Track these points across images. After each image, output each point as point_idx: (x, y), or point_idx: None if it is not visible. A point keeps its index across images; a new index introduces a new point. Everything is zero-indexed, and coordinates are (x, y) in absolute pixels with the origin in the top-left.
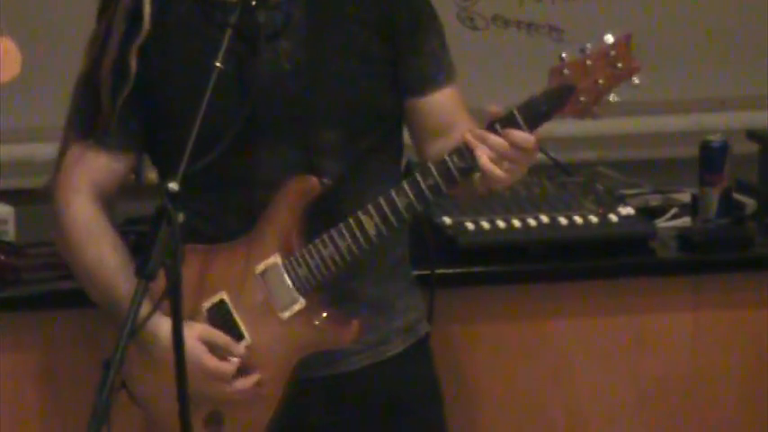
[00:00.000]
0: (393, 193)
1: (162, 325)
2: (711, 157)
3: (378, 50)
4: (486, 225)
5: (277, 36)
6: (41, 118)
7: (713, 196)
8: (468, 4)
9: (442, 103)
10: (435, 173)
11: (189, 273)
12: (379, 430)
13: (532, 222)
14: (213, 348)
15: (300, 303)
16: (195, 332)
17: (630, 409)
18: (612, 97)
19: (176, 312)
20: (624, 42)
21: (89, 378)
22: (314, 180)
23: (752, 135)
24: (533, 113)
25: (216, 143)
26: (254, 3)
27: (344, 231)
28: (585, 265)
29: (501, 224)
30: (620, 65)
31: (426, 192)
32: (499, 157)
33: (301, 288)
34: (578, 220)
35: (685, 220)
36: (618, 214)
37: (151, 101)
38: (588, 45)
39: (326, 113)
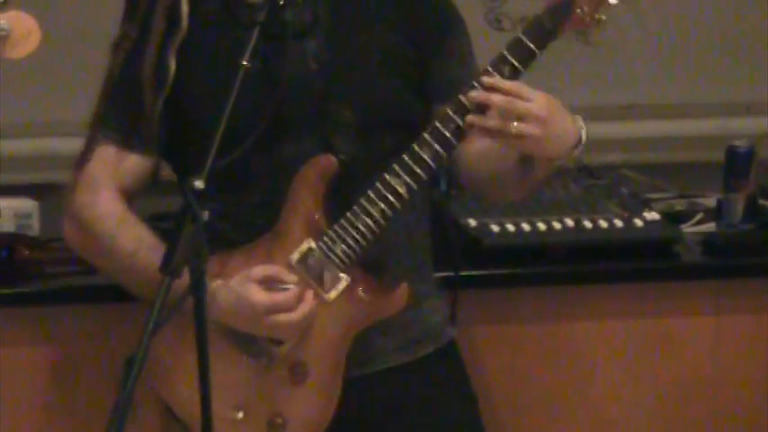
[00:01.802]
0: (416, 147)
1: (217, 293)
2: (737, 163)
3: (402, 51)
4: (510, 227)
5: (303, 36)
6: (65, 112)
7: (738, 201)
8: (496, 4)
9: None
10: (455, 115)
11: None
12: (413, 430)
13: (557, 225)
14: (266, 283)
15: (345, 280)
16: (242, 277)
17: (652, 413)
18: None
19: (200, 310)
20: None
21: (111, 373)
22: (329, 157)
23: None
24: (540, 33)
25: (240, 142)
26: (281, 2)
27: (374, 196)
28: (609, 269)
29: (526, 226)
30: None
31: (450, 137)
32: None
33: (341, 265)
34: (603, 223)
35: (710, 226)
36: (643, 218)
37: (177, 101)
38: None
39: (351, 112)
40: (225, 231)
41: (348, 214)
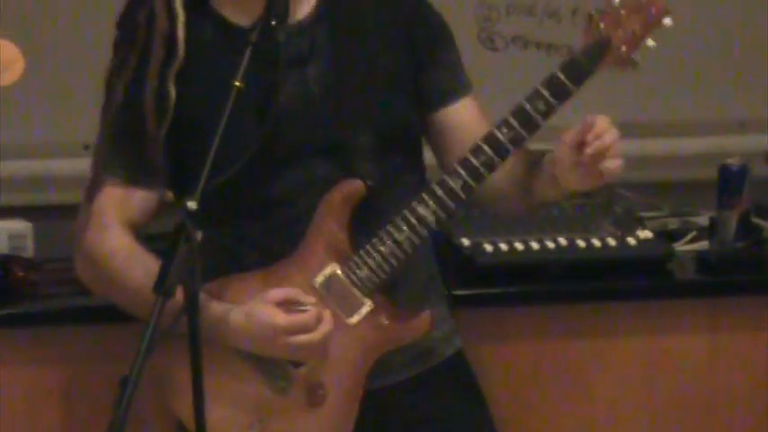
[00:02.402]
0: (446, 177)
1: (229, 314)
2: (730, 181)
3: (400, 67)
4: (504, 246)
5: (304, 61)
6: (59, 133)
7: (732, 219)
8: (489, 24)
9: (461, 114)
10: (487, 148)
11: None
12: None
13: (550, 244)
14: (285, 305)
15: (368, 305)
16: (260, 300)
17: (647, 431)
18: (650, 42)
19: (194, 329)
20: None
21: (105, 394)
22: (358, 182)
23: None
24: (577, 72)
25: (242, 166)
26: (273, 23)
27: (401, 224)
28: (603, 287)
29: (519, 246)
30: (652, 9)
31: (481, 168)
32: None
33: (365, 290)
34: (596, 242)
35: (703, 244)
36: (636, 237)
37: (178, 128)
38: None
39: (365, 135)
40: (243, 255)
41: (374, 240)
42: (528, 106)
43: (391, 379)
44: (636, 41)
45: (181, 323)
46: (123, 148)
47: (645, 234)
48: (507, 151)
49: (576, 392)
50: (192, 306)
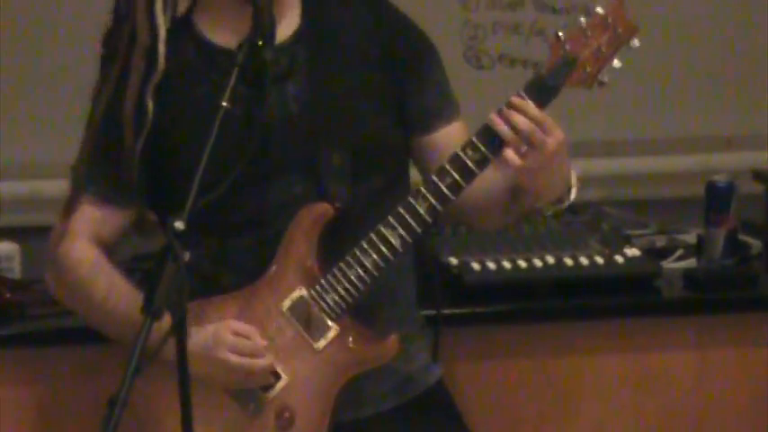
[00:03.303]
0: (412, 200)
1: (192, 336)
2: (717, 198)
3: (382, 86)
4: (491, 265)
5: (283, 78)
6: (46, 154)
7: (719, 237)
8: (475, 42)
9: (450, 137)
10: (452, 170)
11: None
12: None
13: (538, 263)
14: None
15: (334, 329)
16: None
17: None
18: (616, 63)
19: (181, 351)
20: (618, 7)
21: (93, 414)
22: (325, 205)
23: (758, 176)
24: (541, 91)
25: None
26: (260, 43)
27: (368, 248)
28: (591, 305)
29: (507, 264)
30: (619, 30)
31: (446, 191)
32: (518, 138)
33: (332, 314)
34: (584, 260)
35: (691, 261)
36: (624, 255)
37: (159, 147)
38: (582, 18)
39: (341, 155)
40: (217, 275)
41: (341, 264)
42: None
43: (370, 410)
44: (602, 62)
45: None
46: (100, 166)
47: (632, 252)
48: (473, 173)
49: (564, 411)
50: (179, 328)
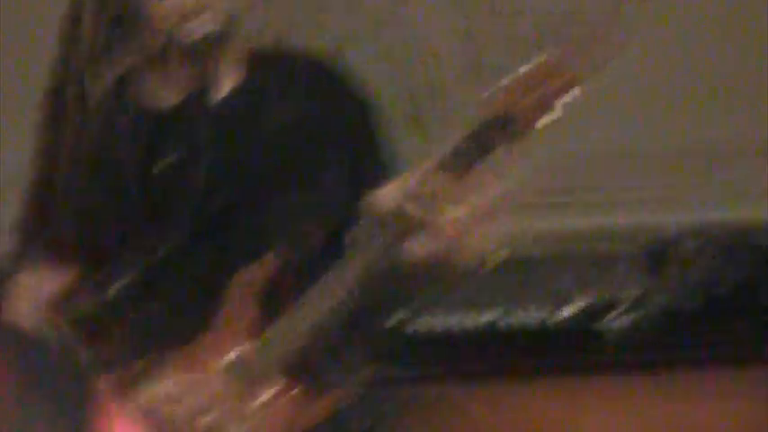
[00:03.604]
0: (353, 252)
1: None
2: (658, 255)
3: (328, 149)
4: (439, 321)
5: (222, 139)
6: None
7: (661, 294)
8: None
9: None
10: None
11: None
12: None
13: (485, 318)
14: None
15: (278, 383)
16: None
17: None
18: (556, 114)
19: None
20: (556, 58)
21: None
22: (268, 261)
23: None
24: (477, 146)
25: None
26: (195, 101)
27: (312, 299)
28: (534, 362)
29: (454, 320)
30: (558, 79)
31: (381, 249)
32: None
33: (276, 367)
34: (529, 316)
35: (633, 317)
36: (565, 311)
37: (90, 210)
38: (524, 67)
39: (282, 207)
40: (163, 330)
41: (284, 318)
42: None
43: None
44: (540, 112)
45: None
46: (38, 227)
47: (574, 308)
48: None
49: None
50: None
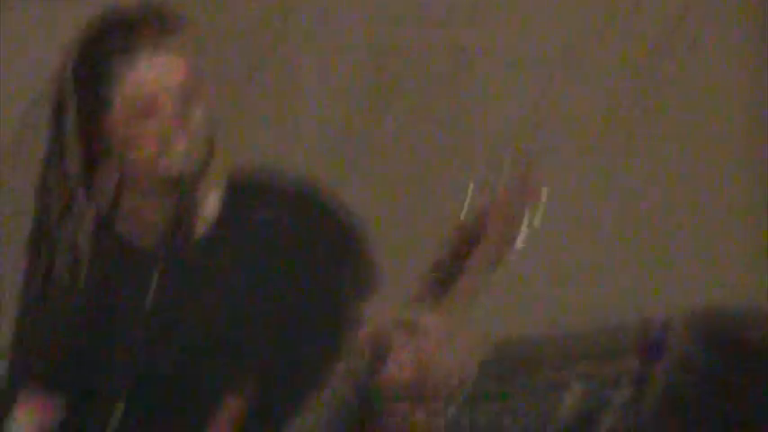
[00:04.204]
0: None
1: None
2: (652, 346)
3: (304, 293)
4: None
5: (200, 282)
6: None
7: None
8: None
9: None
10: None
11: None
12: None
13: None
14: None
15: None
16: None
17: None
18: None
19: None
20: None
21: None
22: (239, 404)
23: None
24: (441, 280)
25: (146, 390)
26: (176, 243)
27: None
28: None
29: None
30: (520, 209)
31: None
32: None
33: None
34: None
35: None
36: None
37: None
38: (488, 203)
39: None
40: None
41: None
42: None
43: None
44: (506, 247)
45: None
46: (31, 362)
47: (575, 391)
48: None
49: None
50: None
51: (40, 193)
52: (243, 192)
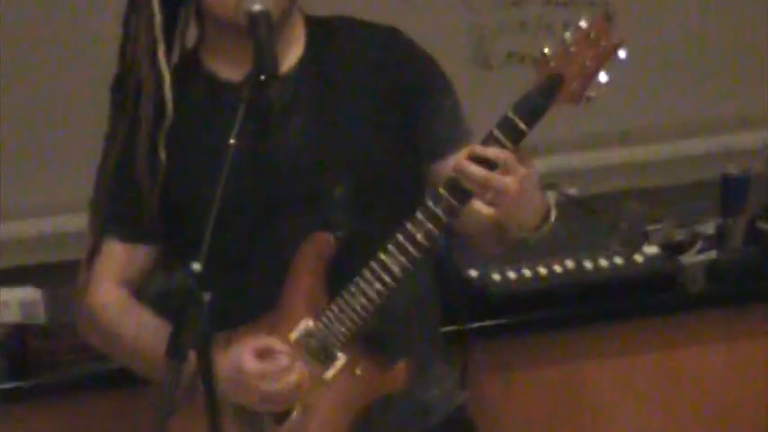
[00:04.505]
0: (409, 227)
1: (217, 362)
2: (733, 190)
3: (390, 118)
4: (512, 275)
5: (287, 112)
6: (64, 190)
7: (738, 227)
8: (483, 43)
9: None
10: (446, 194)
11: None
12: None
13: (558, 268)
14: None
15: (342, 359)
16: (238, 345)
17: None
18: (603, 77)
19: (210, 393)
20: (601, 21)
21: None
22: (327, 236)
23: None
24: (530, 111)
25: (234, 223)
26: (262, 78)
27: (369, 275)
28: (615, 307)
29: (527, 273)
30: (603, 43)
31: (441, 214)
32: (479, 187)
33: (340, 343)
34: (603, 262)
35: (711, 253)
36: (643, 254)
37: (171, 188)
38: (567, 33)
39: (344, 188)
40: (228, 311)
41: (344, 293)
42: (470, 151)
43: None
44: (588, 77)
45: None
46: (120, 209)
47: (651, 250)
48: (467, 195)
49: (598, 414)
50: (206, 370)
51: (125, 36)
52: (327, 30)
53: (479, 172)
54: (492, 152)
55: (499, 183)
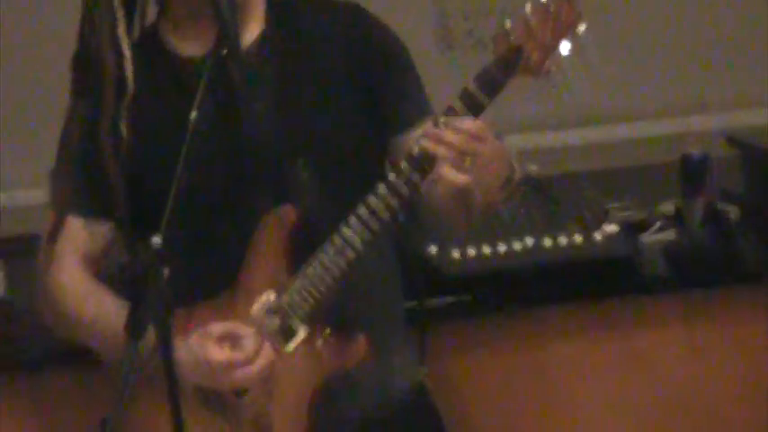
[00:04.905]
0: (371, 200)
1: (177, 350)
2: (693, 171)
3: (353, 94)
4: (472, 252)
5: (249, 89)
6: (22, 164)
7: (697, 207)
8: (445, 22)
9: None
10: (407, 166)
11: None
12: None
13: (518, 246)
14: (224, 340)
15: (303, 332)
16: (200, 334)
17: (630, 430)
18: (564, 49)
19: (170, 370)
20: None
21: None
22: (288, 208)
23: (732, 141)
24: (489, 83)
25: (198, 200)
26: (224, 52)
27: (329, 249)
28: (573, 287)
29: (486, 250)
30: (562, 17)
31: (403, 188)
32: (460, 156)
33: (299, 317)
34: (563, 240)
35: (670, 233)
36: (602, 232)
37: (133, 166)
38: (527, 6)
39: (307, 170)
40: (189, 287)
41: (306, 267)
42: (443, 120)
43: (351, 415)
44: (547, 50)
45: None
46: (83, 187)
47: (611, 228)
48: (429, 166)
49: (556, 395)
50: (165, 345)
51: (84, 13)
52: (289, 6)
53: (458, 138)
54: (467, 123)
55: (477, 147)
